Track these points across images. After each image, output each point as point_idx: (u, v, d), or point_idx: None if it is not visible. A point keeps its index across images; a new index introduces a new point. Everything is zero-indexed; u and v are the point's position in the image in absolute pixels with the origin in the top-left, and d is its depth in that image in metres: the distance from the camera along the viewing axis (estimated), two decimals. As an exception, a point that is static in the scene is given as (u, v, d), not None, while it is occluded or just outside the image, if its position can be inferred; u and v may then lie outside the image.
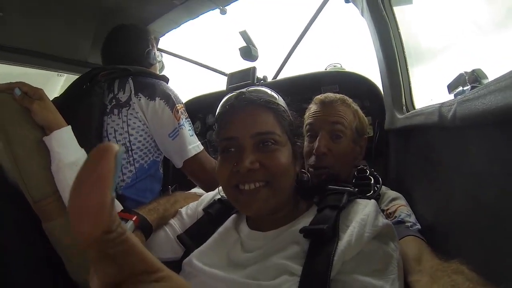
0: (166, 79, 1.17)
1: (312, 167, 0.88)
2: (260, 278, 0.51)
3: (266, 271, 0.52)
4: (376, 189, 0.84)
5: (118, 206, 0.82)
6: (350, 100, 0.94)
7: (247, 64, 1.58)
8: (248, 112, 0.61)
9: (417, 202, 0.82)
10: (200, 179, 1.14)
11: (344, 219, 0.55)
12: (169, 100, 1.08)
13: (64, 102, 1.01)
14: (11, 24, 1.20)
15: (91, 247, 0.18)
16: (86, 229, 0.18)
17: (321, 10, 1.52)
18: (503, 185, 0.44)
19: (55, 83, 1.80)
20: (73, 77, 1.53)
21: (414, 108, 0.98)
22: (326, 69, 1.59)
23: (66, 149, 0.86)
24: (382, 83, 1.17)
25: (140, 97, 1.05)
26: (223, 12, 1.53)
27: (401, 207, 0.80)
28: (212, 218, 0.71)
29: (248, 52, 1.51)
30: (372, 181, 0.87)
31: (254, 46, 1.52)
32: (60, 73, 1.68)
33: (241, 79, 1.54)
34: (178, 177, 1.43)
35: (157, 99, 1.06)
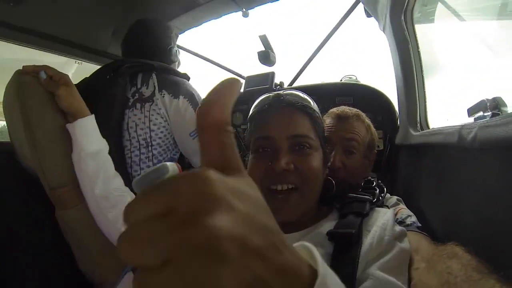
0: (187, 78, 1.19)
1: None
2: None
3: None
4: (380, 198, 0.87)
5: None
6: (364, 116, 0.96)
7: (264, 68, 1.60)
8: (286, 114, 0.62)
9: (426, 215, 0.85)
10: None
11: (365, 225, 0.57)
12: (193, 99, 1.09)
13: (85, 91, 1.00)
14: (34, 6, 1.17)
15: (212, 131, 0.22)
16: (216, 114, 0.22)
17: (343, 21, 1.55)
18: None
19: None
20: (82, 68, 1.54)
21: (428, 127, 1.01)
22: (341, 80, 1.62)
23: (89, 138, 0.85)
24: (398, 99, 1.20)
25: (164, 94, 1.06)
26: (245, 15, 1.55)
27: (402, 210, 0.86)
28: None
29: (267, 57, 1.52)
30: (377, 191, 0.90)
31: (272, 51, 1.54)
32: (78, 61, 1.69)
33: (259, 83, 1.56)
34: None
35: (181, 97, 1.07)
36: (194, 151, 1.11)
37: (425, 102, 1.05)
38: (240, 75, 1.80)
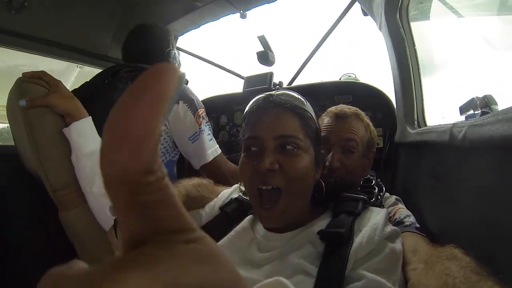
0: (186, 82, 1.20)
1: (322, 176, 0.91)
2: (275, 276, 0.54)
3: (282, 270, 0.54)
4: (379, 197, 0.87)
5: None
6: (363, 114, 0.95)
7: (263, 68, 1.60)
8: (274, 114, 0.62)
9: (423, 214, 0.85)
10: (216, 180, 1.17)
11: (358, 224, 0.58)
12: (192, 104, 1.10)
13: (83, 96, 1.01)
14: (35, 13, 1.20)
15: (121, 189, 0.14)
16: (123, 159, 0.13)
17: (341, 20, 1.55)
18: (508, 206, 0.47)
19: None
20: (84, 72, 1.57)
21: (425, 124, 1.01)
22: (340, 79, 1.62)
23: (86, 139, 0.86)
24: (395, 97, 1.20)
25: None
26: (243, 16, 1.56)
27: (400, 209, 0.85)
28: (228, 217, 0.73)
29: (265, 57, 1.53)
30: (376, 190, 0.90)
31: (271, 51, 1.54)
32: (80, 65, 1.72)
33: (258, 83, 1.56)
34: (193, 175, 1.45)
35: (181, 102, 1.08)
36: (194, 154, 1.12)
37: (422, 99, 1.05)
38: (239, 75, 1.81)
